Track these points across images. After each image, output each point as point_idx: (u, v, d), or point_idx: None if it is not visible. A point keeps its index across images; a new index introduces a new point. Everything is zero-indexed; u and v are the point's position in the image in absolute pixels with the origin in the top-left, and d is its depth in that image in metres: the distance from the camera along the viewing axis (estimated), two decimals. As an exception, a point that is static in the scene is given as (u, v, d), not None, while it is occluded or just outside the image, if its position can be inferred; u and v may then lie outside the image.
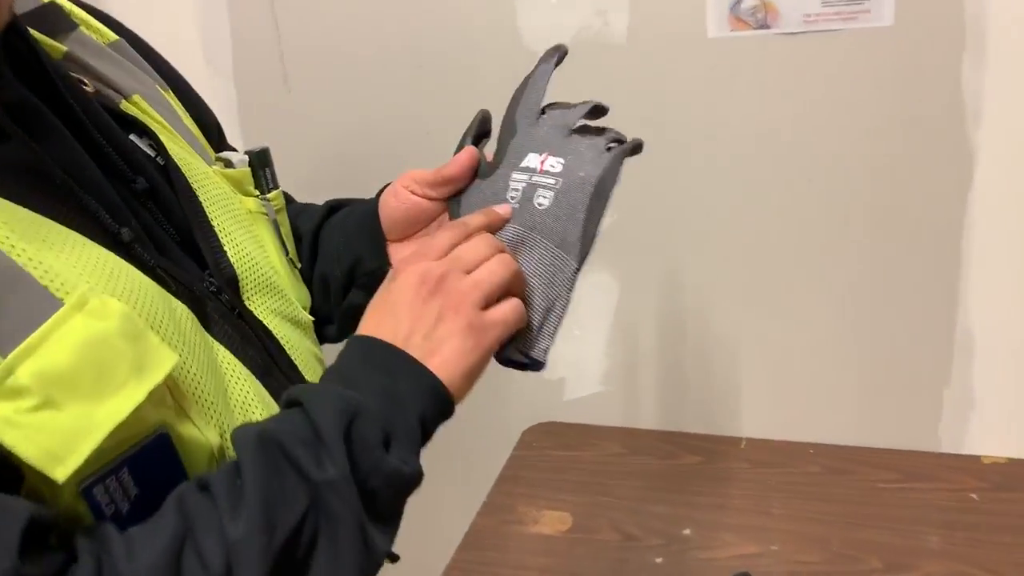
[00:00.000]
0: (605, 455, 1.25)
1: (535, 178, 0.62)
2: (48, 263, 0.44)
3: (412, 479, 0.49)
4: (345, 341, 0.55)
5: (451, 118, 1.14)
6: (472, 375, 0.54)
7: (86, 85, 0.60)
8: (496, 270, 0.56)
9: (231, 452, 0.48)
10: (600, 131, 0.64)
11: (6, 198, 0.46)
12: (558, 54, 0.66)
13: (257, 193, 0.68)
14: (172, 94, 0.68)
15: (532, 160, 0.63)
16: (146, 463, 0.45)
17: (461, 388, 0.53)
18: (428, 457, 0.51)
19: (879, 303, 1.12)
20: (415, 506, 0.51)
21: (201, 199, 0.61)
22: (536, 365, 0.59)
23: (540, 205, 0.61)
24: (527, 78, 0.67)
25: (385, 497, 0.48)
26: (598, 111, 0.66)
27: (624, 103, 0.68)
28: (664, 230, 1.17)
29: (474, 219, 0.60)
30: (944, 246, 1.07)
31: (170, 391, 0.47)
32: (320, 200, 0.82)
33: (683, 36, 1.07)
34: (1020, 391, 1.10)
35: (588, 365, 1.28)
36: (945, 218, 1.06)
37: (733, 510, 1.10)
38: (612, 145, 0.63)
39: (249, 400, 0.55)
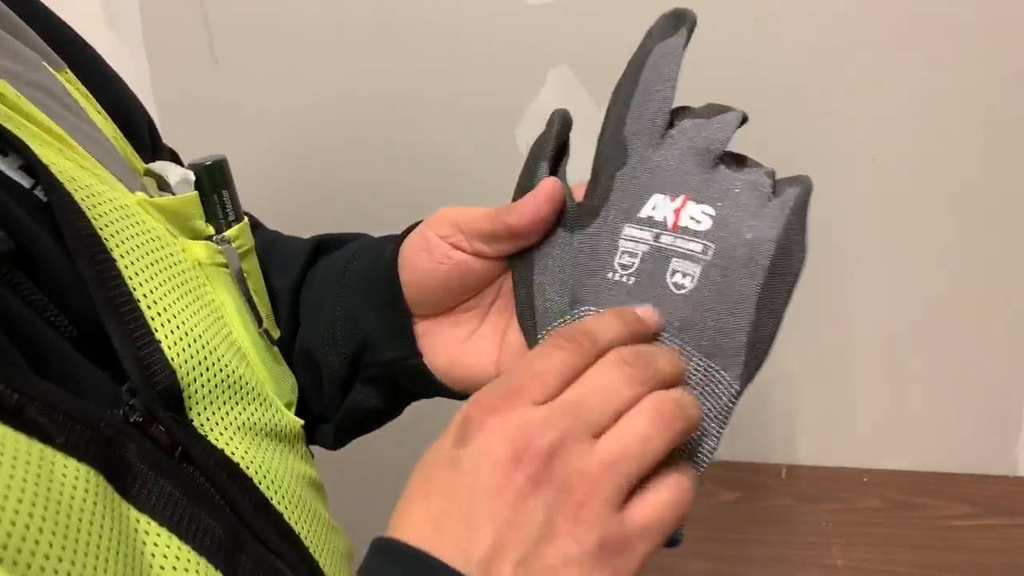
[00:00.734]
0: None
1: (666, 239, 0.40)
2: None
3: None
4: (372, 547, 0.33)
5: (423, 92, 0.93)
6: None
7: None
8: (651, 433, 0.34)
9: None
10: (752, 163, 0.43)
11: None
12: (687, 23, 0.43)
13: (211, 231, 0.44)
14: (73, 77, 0.44)
15: (659, 206, 0.41)
16: None
17: None
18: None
19: (948, 299, 0.95)
20: None
21: (116, 256, 0.37)
22: (670, 542, 0.36)
23: (678, 287, 0.39)
24: (636, 61, 0.44)
25: None
26: (742, 122, 0.44)
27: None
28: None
29: (603, 324, 0.38)
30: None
31: None
32: (263, 214, 0.58)
33: None
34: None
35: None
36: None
37: (788, 563, 0.92)
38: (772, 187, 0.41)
39: None
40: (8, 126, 0.36)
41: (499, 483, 0.33)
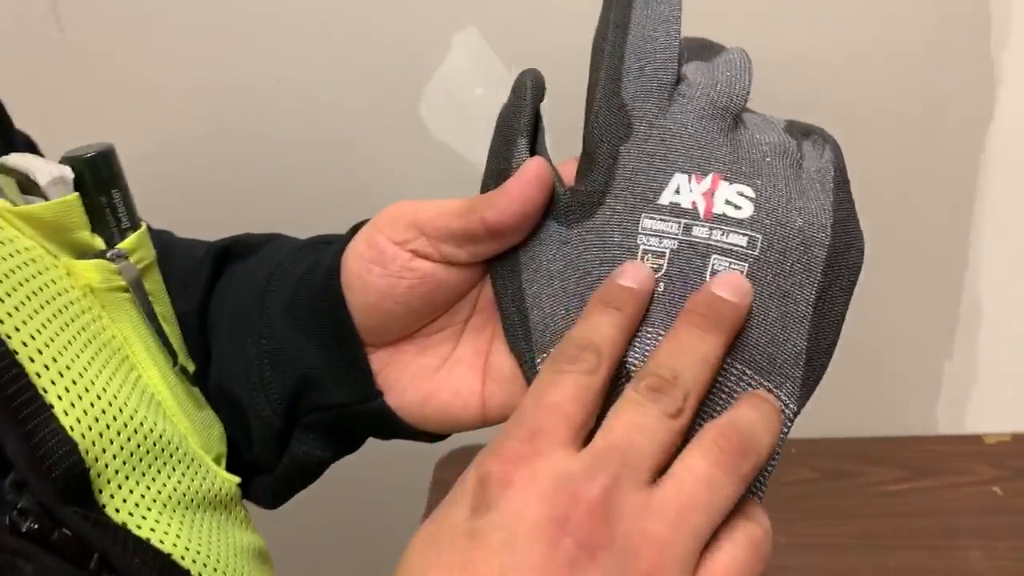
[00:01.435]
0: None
1: (699, 230, 0.33)
2: None
3: None
4: None
5: (311, 61, 0.82)
6: None
7: None
8: (716, 475, 0.28)
9: None
10: (752, 112, 0.36)
11: None
12: None
13: (100, 244, 0.34)
14: None
15: (684, 189, 0.33)
16: None
17: None
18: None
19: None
20: None
21: None
22: None
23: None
24: None
25: None
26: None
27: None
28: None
29: (594, 326, 0.31)
30: (954, 201, 0.88)
31: None
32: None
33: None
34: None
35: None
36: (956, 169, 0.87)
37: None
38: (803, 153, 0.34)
39: None
40: None
41: (542, 554, 0.25)
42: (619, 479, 0.26)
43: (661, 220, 0.33)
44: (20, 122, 0.45)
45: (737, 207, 0.33)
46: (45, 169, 0.33)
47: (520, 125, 0.35)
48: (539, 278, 0.34)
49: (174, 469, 0.32)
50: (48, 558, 0.24)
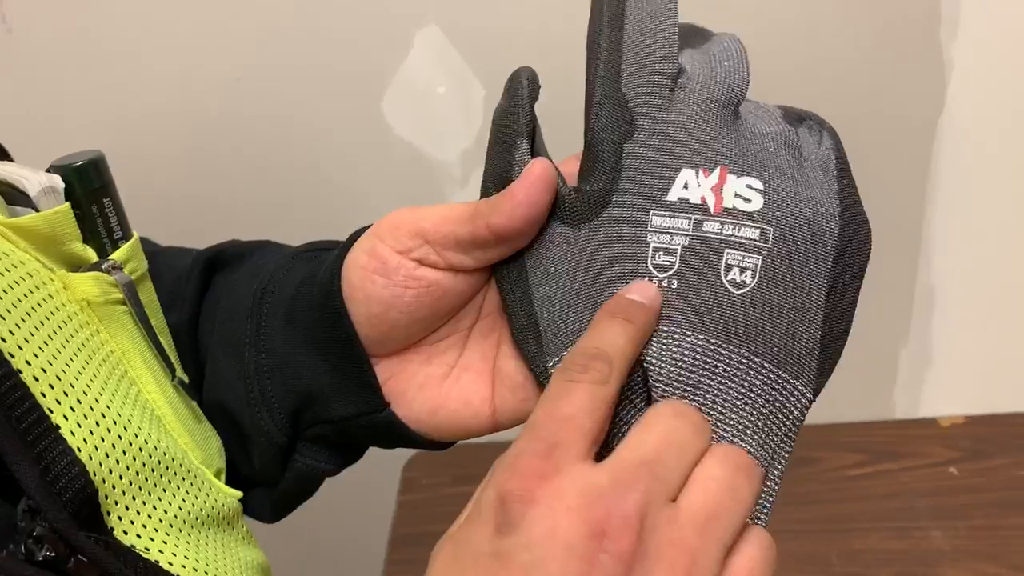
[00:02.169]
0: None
1: (711, 226, 0.33)
2: None
3: None
4: None
5: (271, 60, 0.80)
6: None
7: None
8: (738, 483, 0.29)
9: None
10: (779, 112, 0.36)
11: None
12: None
13: (93, 256, 0.33)
14: None
15: (692, 184, 0.33)
16: None
17: None
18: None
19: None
20: None
21: None
22: None
23: (738, 285, 0.33)
24: None
25: None
26: None
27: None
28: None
29: (604, 335, 0.31)
30: (908, 185, 0.90)
31: None
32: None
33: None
34: (977, 344, 0.99)
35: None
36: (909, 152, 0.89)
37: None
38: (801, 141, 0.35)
39: None
40: None
41: (579, 571, 0.25)
42: (650, 492, 0.27)
43: (671, 217, 0.33)
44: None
45: (747, 200, 0.33)
46: (34, 179, 0.32)
47: (519, 125, 0.35)
48: (547, 280, 0.34)
49: (178, 487, 0.31)
50: None
